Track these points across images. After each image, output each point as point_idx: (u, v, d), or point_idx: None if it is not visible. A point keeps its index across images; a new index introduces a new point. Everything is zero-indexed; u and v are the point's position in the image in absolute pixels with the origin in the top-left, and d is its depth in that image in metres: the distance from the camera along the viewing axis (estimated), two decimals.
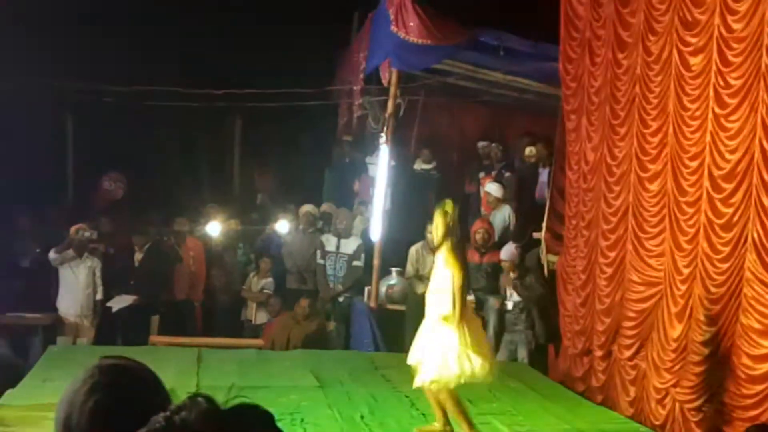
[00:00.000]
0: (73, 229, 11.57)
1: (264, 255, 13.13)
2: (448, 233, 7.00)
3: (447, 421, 7.17)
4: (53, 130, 15.37)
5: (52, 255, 11.51)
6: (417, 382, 7.08)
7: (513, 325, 10.83)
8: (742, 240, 6.99)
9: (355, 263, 12.54)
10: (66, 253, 11.50)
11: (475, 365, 6.89)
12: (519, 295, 10.74)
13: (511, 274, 10.84)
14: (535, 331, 10.78)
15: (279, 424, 1.53)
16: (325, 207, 13.52)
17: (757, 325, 6.79)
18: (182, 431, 1.40)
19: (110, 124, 14.28)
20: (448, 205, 7.10)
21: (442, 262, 7.03)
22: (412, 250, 11.89)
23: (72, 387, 1.95)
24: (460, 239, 7.22)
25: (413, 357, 7.18)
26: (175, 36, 14.67)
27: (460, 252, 7.09)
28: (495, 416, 7.92)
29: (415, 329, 7.45)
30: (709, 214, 7.39)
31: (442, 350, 6.91)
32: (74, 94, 13.17)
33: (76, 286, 11.56)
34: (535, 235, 11.75)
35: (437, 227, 7.07)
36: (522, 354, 10.71)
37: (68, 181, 15.76)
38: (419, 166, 14.19)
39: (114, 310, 11.75)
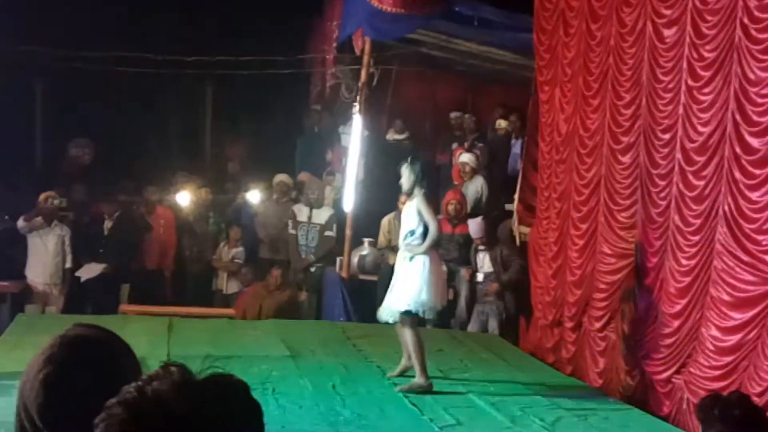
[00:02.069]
0: (42, 196, 11.45)
1: (234, 224, 13.07)
2: (417, 184, 7.72)
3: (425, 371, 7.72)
4: (21, 96, 15.16)
5: (20, 223, 11.38)
6: (386, 317, 7.91)
7: (484, 295, 10.85)
8: (713, 212, 7.03)
9: (327, 233, 12.51)
10: (34, 221, 11.38)
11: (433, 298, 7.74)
12: (496, 271, 10.73)
13: (480, 247, 10.84)
14: (506, 301, 10.80)
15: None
16: (302, 176, 13.45)
17: (726, 298, 6.84)
18: (154, 402, 1.37)
19: (79, 90, 14.11)
20: (415, 159, 7.96)
21: (414, 211, 7.74)
22: (385, 220, 11.88)
23: (34, 355, 1.92)
24: (427, 190, 7.90)
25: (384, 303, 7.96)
26: (147, 3, 14.48)
27: (431, 203, 7.91)
28: (466, 386, 7.95)
29: None
30: (681, 186, 7.42)
31: (414, 281, 7.67)
32: (43, 59, 12.98)
33: (45, 254, 11.45)
34: (508, 206, 11.77)
35: (407, 178, 7.76)
36: (493, 325, 10.75)
37: (36, 148, 15.59)
38: (392, 136, 14.14)
39: (82, 279, 11.66)
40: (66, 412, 1.83)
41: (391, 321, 7.96)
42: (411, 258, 7.74)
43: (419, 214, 7.71)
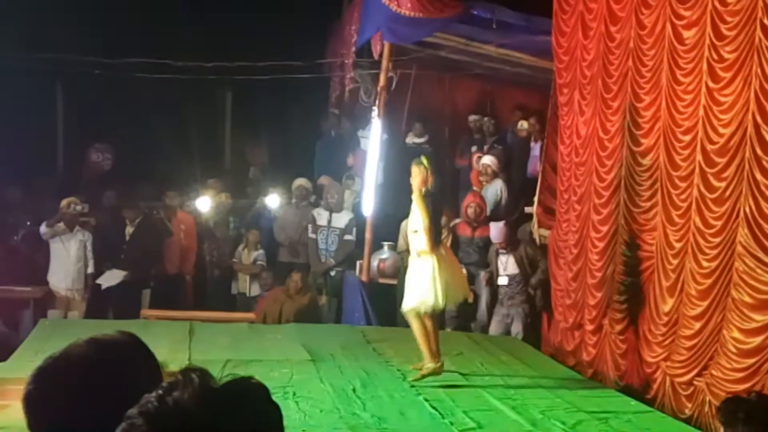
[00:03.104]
0: (64, 202, 11.52)
1: (252, 227, 13.10)
2: (422, 183, 8.06)
3: (434, 355, 8.09)
4: (43, 102, 15.27)
5: (43, 229, 11.46)
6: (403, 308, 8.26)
7: (510, 298, 10.78)
8: (734, 214, 6.99)
9: (347, 237, 12.53)
10: (57, 227, 11.46)
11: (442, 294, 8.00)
12: (522, 273, 10.69)
13: (501, 250, 10.80)
14: (534, 302, 10.76)
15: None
16: (322, 180, 13.47)
17: (748, 299, 6.80)
18: (175, 412, 1.38)
19: (100, 96, 14.19)
20: (424, 159, 8.26)
21: (416, 207, 8.10)
22: (404, 224, 11.84)
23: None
24: (431, 191, 8.17)
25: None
26: (167, 8, 14.56)
27: (429, 200, 8.09)
28: (486, 390, 7.94)
29: None
30: (702, 188, 7.38)
31: (420, 282, 8.02)
32: (64, 65, 13.07)
33: (67, 259, 11.53)
34: (527, 209, 11.75)
35: (415, 177, 8.08)
36: (517, 328, 10.69)
37: (58, 154, 15.69)
38: (411, 140, 14.14)
39: (103, 287, 11.72)
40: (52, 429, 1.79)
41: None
42: (418, 256, 8.09)
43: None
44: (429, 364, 8.02)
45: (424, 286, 7.98)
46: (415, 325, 8.09)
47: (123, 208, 12.32)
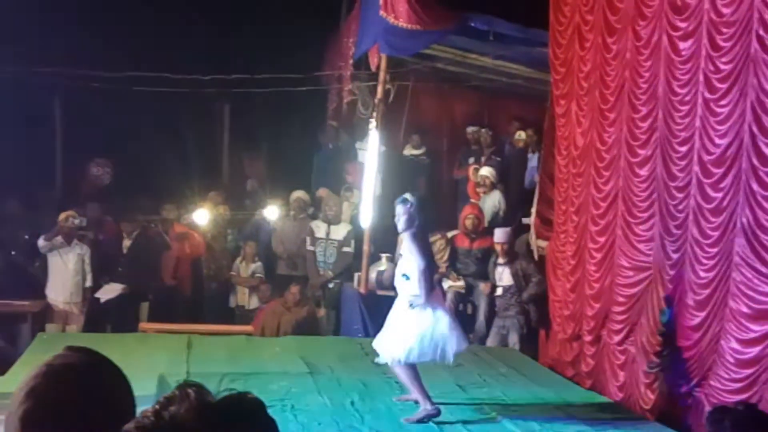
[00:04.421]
0: (62, 216, 11.53)
1: (249, 240, 13.10)
2: (409, 222, 7.40)
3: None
4: (41, 116, 15.29)
5: (41, 242, 11.46)
6: (380, 359, 7.61)
7: (504, 310, 10.83)
8: (731, 225, 7.00)
9: (345, 249, 12.53)
10: (55, 240, 11.46)
11: (441, 346, 7.34)
12: (517, 286, 10.71)
13: (500, 260, 10.84)
14: (528, 315, 10.77)
15: (269, 411, 1.52)
16: (321, 192, 13.49)
17: (746, 310, 6.81)
18: (171, 427, 1.38)
19: (98, 109, 14.20)
20: (408, 195, 7.60)
21: (406, 249, 7.46)
22: (402, 235, 11.86)
23: (18, 385, 1.81)
24: (422, 227, 7.53)
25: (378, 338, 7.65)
26: (164, 21, 14.59)
27: (420, 240, 7.44)
28: (485, 401, 7.93)
29: None
30: (699, 199, 7.40)
31: (404, 333, 7.32)
32: (62, 79, 13.09)
33: (65, 273, 11.52)
34: (525, 220, 11.76)
35: (399, 216, 7.46)
36: (513, 339, 10.72)
37: (56, 167, 15.71)
38: (409, 151, 14.16)
39: (102, 301, 11.72)
40: None
41: (381, 363, 7.72)
42: (411, 306, 7.37)
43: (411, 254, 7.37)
44: (426, 407, 7.29)
45: (412, 335, 7.28)
46: (401, 373, 7.43)
47: (119, 221, 12.34)
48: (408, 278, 7.39)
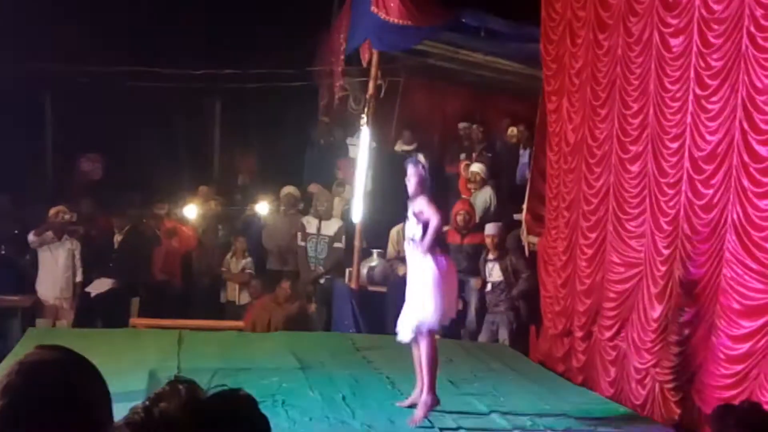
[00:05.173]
0: (52, 211, 11.50)
1: (240, 235, 13.08)
2: (421, 185, 7.26)
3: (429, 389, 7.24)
4: (31, 111, 15.23)
5: (31, 237, 11.43)
6: (404, 337, 7.32)
7: (494, 306, 10.85)
8: (722, 221, 7.02)
9: (336, 245, 12.53)
10: (45, 236, 11.43)
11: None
12: (507, 282, 10.72)
13: (491, 255, 10.85)
14: (518, 311, 10.79)
15: (260, 407, 1.52)
16: (312, 188, 13.46)
17: (736, 306, 6.83)
18: (162, 423, 1.38)
19: (88, 104, 14.17)
20: (421, 156, 7.59)
21: (418, 212, 7.24)
22: (393, 231, 11.88)
23: None
24: (432, 192, 7.46)
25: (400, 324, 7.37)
26: (155, 16, 14.55)
27: (435, 202, 7.34)
28: (476, 397, 7.94)
29: (396, 311, 7.63)
30: (690, 195, 7.42)
31: (421, 298, 7.18)
32: (52, 74, 13.05)
33: (55, 268, 11.50)
34: (516, 216, 11.76)
35: (410, 178, 7.29)
36: (503, 335, 10.74)
37: (47, 163, 15.66)
38: (400, 147, 14.15)
39: (92, 295, 11.69)
40: None
41: (406, 341, 7.37)
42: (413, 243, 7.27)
43: (420, 215, 7.24)
44: (426, 398, 7.15)
45: (431, 298, 7.18)
46: (426, 348, 7.18)
47: (109, 216, 12.31)
48: (415, 241, 7.23)
